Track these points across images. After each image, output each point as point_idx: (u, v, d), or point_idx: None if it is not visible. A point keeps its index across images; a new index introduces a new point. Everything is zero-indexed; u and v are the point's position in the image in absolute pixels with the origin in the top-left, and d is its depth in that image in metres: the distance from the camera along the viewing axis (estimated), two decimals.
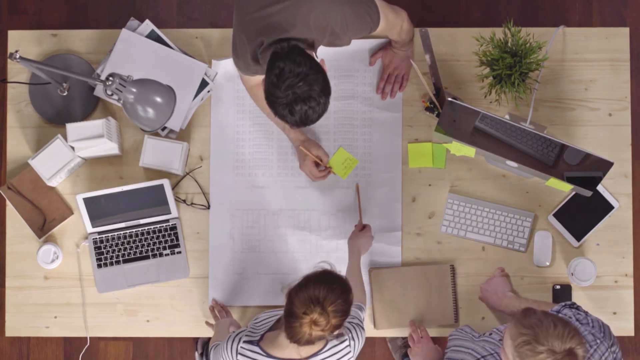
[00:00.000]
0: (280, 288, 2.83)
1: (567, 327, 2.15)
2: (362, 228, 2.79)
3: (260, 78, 2.73)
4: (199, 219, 2.89)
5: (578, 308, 2.46)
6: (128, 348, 3.54)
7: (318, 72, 2.35)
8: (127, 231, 2.87)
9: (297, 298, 2.25)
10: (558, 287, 2.85)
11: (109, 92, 2.51)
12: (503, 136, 2.61)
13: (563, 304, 2.49)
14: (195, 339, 3.41)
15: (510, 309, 2.69)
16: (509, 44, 2.69)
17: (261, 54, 2.46)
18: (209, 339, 3.32)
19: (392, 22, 2.63)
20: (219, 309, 2.82)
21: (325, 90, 2.37)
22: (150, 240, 2.87)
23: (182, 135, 2.91)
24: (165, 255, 2.87)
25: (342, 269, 2.86)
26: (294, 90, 2.32)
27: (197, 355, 3.36)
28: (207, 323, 2.84)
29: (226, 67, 2.90)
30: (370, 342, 3.50)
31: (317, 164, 2.84)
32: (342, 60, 2.92)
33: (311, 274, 2.31)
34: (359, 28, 2.53)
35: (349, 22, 2.49)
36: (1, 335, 3.53)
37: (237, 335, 2.44)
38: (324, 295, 2.24)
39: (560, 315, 2.44)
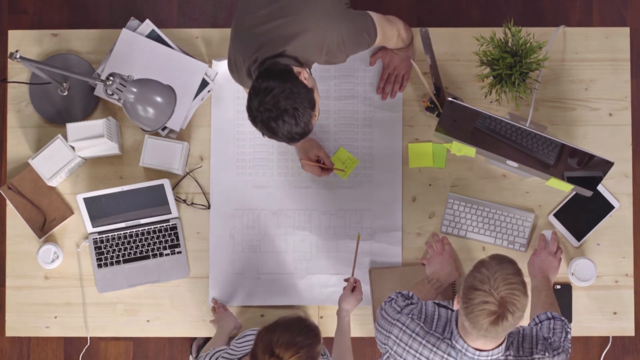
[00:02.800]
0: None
1: (510, 277, 2.15)
2: (353, 288, 2.75)
3: None
4: (199, 219, 2.89)
5: (567, 331, 2.47)
6: (128, 348, 3.54)
7: (295, 89, 2.35)
8: (128, 231, 2.87)
9: (261, 341, 2.23)
10: (558, 287, 2.85)
11: (110, 92, 2.51)
12: (503, 136, 2.61)
13: (561, 318, 2.50)
14: (191, 341, 3.41)
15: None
16: (509, 44, 2.69)
17: (254, 71, 2.48)
18: (205, 340, 3.32)
19: (389, 35, 2.64)
20: (219, 307, 2.83)
21: (302, 107, 2.36)
22: (151, 240, 2.87)
23: (182, 135, 2.91)
24: (166, 255, 2.87)
25: (343, 269, 2.86)
26: (266, 106, 2.34)
27: (191, 358, 3.36)
28: (212, 322, 2.84)
29: (226, 67, 2.90)
30: (370, 342, 3.50)
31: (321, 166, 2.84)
32: None
33: (283, 318, 2.28)
34: (356, 46, 2.54)
35: (345, 41, 2.50)
36: (1, 335, 3.53)
37: (216, 352, 2.44)
38: (286, 343, 2.20)
39: (544, 325, 2.45)
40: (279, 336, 2.21)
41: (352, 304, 2.73)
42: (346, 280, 2.77)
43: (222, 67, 2.91)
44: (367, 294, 2.85)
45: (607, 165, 2.56)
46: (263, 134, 2.40)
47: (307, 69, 2.49)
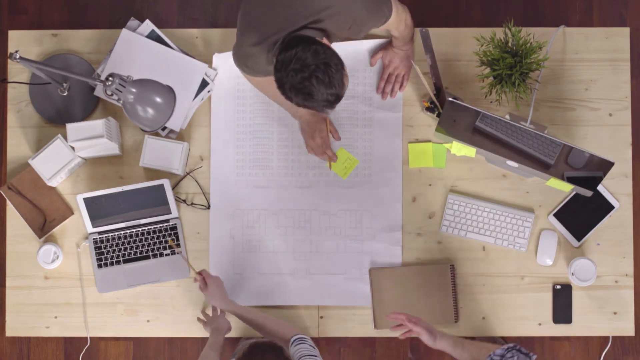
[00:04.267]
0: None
1: None
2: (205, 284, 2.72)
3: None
4: (199, 219, 2.89)
5: (520, 350, 2.41)
6: (128, 348, 3.54)
7: (326, 52, 2.30)
8: (128, 231, 2.87)
9: None
10: (558, 287, 2.85)
11: (109, 92, 2.51)
12: (503, 136, 2.61)
13: (507, 346, 2.41)
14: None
15: (450, 351, 2.57)
16: (510, 44, 2.69)
17: (276, 50, 2.42)
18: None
19: (401, 15, 2.63)
20: (214, 310, 2.81)
21: (332, 62, 2.29)
22: (151, 240, 2.87)
23: (182, 135, 2.91)
24: (166, 255, 2.87)
25: (343, 269, 2.86)
26: (294, 68, 2.28)
27: None
28: (204, 325, 2.82)
29: (227, 63, 2.90)
30: (370, 342, 3.50)
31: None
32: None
33: (258, 342, 2.30)
34: (376, 19, 2.51)
35: (368, 12, 2.46)
36: (1, 335, 3.53)
37: None
38: None
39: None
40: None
41: (216, 298, 2.69)
42: (196, 280, 2.73)
43: (223, 62, 2.90)
44: (367, 294, 2.86)
45: (607, 165, 2.56)
46: (299, 103, 2.32)
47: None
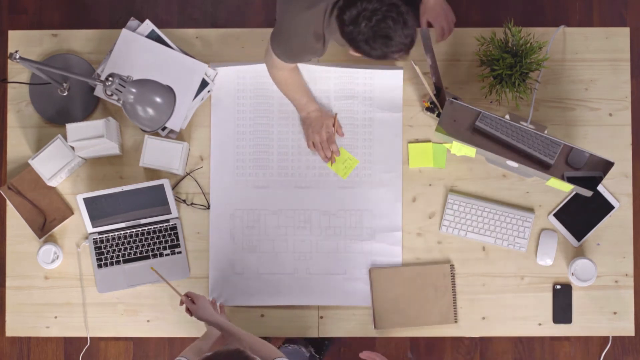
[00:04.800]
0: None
1: None
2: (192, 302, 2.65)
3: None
4: (199, 219, 2.89)
5: None
6: (128, 348, 3.54)
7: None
8: (128, 231, 2.87)
9: None
10: (558, 287, 2.85)
11: (109, 93, 2.51)
12: (503, 136, 2.61)
13: None
14: None
15: None
16: (510, 44, 2.69)
17: (336, 12, 2.37)
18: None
19: None
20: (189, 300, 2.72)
21: (401, 4, 2.26)
22: (151, 240, 2.87)
23: (182, 135, 2.91)
24: (166, 255, 2.87)
25: (343, 269, 2.86)
26: (365, 15, 2.24)
27: None
28: (181, 304, 2.69)
29: (225, 71, 2.90)
30: (370, 342, 3.50)
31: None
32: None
33: (221, 353, 2.20)
34: None
35: None
36: (1, 335, 3.53)
37: None
38: None
39: None
40: None
41: (207, 311, 2.61)
42: (182, 304, 2.65)
43: (220, 71, 2.90)
44: (367, 294, 2.86)
45: (607, 165, 2.56)
46: (376, 54, 2.28)
47: None
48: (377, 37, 2.26)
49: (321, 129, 2.84)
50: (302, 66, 2.90)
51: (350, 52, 2.40)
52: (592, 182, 2.60)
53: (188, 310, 2.65)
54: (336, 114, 2.88)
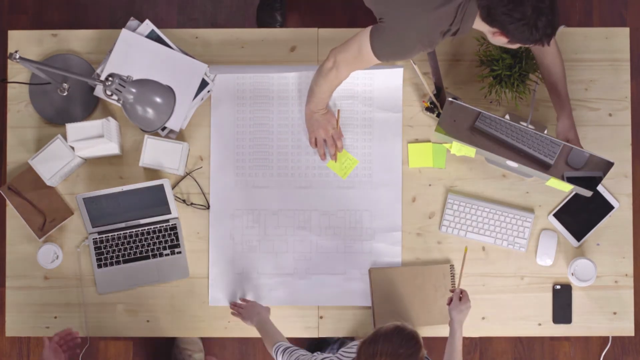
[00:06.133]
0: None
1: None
2: (460, 299, 2.68)
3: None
4: (199, 219, 2.89)
5: None
6: (128, 348, 3.54)
7: None
8: (127, 231, 2.87)
9: (364, 354, 2.26)
10: (558, 287, 2.85)
11: (109, 93, 2.51)
12: (503, 136, 2.61)
13: None
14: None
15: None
16: None
17: (464, 12, 2.42)
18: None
19: None
20: (240, 305, 2.80)
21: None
22: (150, 240, 2.87)
23: (182, 135, 2.91)
24: (165, 255, 2.87)
25: (342, 269, 2.86)
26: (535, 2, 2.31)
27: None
28: (233, 314, 2.80)
29: (222, 76, 2.91)
30: None
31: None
32: None
33: (382, 329, 2.29)
34: None
35: None
36: (1, 335, 3.53)
37: (325, 358, 2.46)
38: (389, 355, 2.24)
39: None
40: (381, 348, 2.24)
41: (463, 313, 2.64)
42: (451, 291, 2.69)
43: (219, 76, 2.90)
44: (367, 294, 2.86)
45: (607, 165, 2.56)
46: (541, 34, 2.34)
47: None
48: (547, 23, 2.32)
49: (327, 126, 2.84)
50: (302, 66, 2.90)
51: (490, 38, 2.44)
52: (592, 182, 2.60)
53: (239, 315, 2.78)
54: (339, 109, 2.88)
